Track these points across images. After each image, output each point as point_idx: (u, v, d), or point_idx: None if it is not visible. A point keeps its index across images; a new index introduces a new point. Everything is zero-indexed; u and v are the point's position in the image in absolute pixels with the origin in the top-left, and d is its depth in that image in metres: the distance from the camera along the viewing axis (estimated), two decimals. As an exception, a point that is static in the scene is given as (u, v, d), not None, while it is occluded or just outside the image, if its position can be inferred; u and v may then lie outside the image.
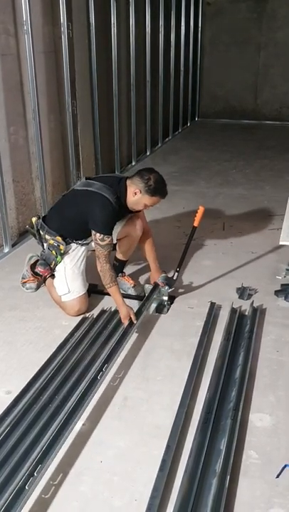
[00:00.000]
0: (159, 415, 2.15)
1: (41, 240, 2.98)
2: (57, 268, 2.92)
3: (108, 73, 5.43)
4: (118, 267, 3.21)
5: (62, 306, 2.93)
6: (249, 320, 2.79)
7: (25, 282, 3.18)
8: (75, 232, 2.90)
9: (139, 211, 3.00)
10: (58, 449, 1.86)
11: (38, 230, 2.96)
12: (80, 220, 2.81)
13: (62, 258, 2.89)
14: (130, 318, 2.67)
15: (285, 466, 1.90)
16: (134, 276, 3.34)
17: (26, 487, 1.67)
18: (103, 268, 2.74)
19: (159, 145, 7.36)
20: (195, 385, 2.31)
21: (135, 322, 2.67)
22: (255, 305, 2.96)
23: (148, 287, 3.04)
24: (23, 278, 3.20)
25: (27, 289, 3.17)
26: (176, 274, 3.07)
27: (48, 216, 3.02)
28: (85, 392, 2.13)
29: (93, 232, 2.76)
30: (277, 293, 3.12)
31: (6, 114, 3.73)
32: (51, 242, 2.88)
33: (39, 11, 4.03)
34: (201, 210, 3.01)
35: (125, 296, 3.08)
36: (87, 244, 2.95)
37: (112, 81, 5.51)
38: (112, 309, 2.92)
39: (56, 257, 2.88)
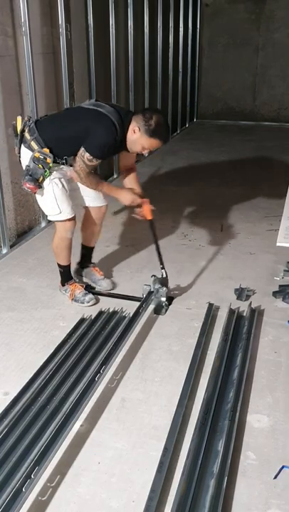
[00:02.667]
0: (157, 416, 2.15)
1: (22, 143, 2.74)
2: (45, 191, 2.76)
3: (106, 74, 5.43)
4: (86, 256, 3.20)
5: (58, 231, 2.88)
6: (247, 321, 2.79)
7: (72, 295, 3.03)
8: (68, 149, 2.71)
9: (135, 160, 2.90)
10: (56, 451, 1.85)
11: (22, 131, 2.73)
12: (77, 136, 2.66)
13: (50, 172, 2.70)
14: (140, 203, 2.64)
15: (283, 467, 1.90)
16: (133, 281, 3.35)
17: (23, 489, 1.66)
18: (86, 179, 2.69)
19: (158, 146, 7.35)
20: (193, 386, 2.30)
21: (153, 208, 2.63)
22: (253, 306, 2.96)
23: (146, 288, 3.04)
24: (75, 301, 3.02)
25: (87, 301, 3.00)
26: (164, 271, 3.05)
27: (43, 124, 2.76)
28: (82, 394, 2.13)
29: (83, 149, 2.62)
30: (275, 294, 3.12)
31: (5, 116, 3.73)
32: (37, 154, 2.67)
33: (37, 12, 4.03)
34: (145, 202, 2.89)
35: (120, 296, 3.09)
36: (66, 164, 2.78)
37: (110, 82, 5.51)
38: (110, 310, 2.93)
39: (44, 172, 2.67)
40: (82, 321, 2.84)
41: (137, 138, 2.67)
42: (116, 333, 2.69)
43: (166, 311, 2.97)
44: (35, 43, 3.88)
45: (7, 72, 3.73)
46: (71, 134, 2.70)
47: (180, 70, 8.04)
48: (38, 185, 2.71)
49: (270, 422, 2.13)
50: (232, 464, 1.88)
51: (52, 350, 2.55)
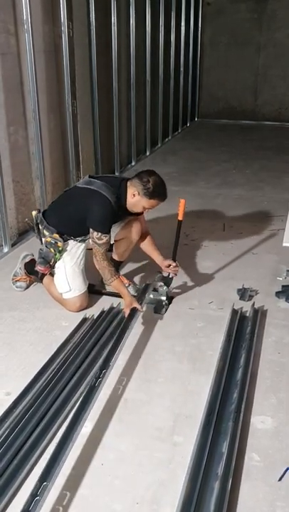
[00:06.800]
0: (160, 417, 2.13)
1: (40, 235, 2.95)
2: (57, 265, 2.90)
3: (108, 73, 5.41)
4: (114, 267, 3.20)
5: (62, 302, 2.94)
6: (250, 321, 2.77)
7: (16, 280, 3.17)
8: (73, 229, 2.87)
9: (140, 214, 2.98)
10: (61, 466, 1.74)
11: (37, 224, 2.94)
12: (78, 217, 2.79)
13: (60, 255, 2.87)
14: (134, 308, 2.64)
15: (288, 469, 1.88)
16: (131, 275, 3.33)
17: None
18: (101, 265, 2.75)
19: (159, 145, 7.35)
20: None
21: (142, 310, 2.63)
22: (256, 306, 2.94)
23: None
24: (14, 276, 3.19)
25: (17, 287, 3.16)
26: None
27: (48, 211, 2.98)
28: (86, 396, 2.10)
29: (91, 230, 2.74)
30: (278, 294, 3.10)
31: (6, 114, 3.71)
32: (48, 239, 2.85)
33: (39, 9, 4.02)
34: (182, 202, 2.96)
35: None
36: (85, 241, 2.92)
37: (112, 81, 5.50)
38: (113, 310, 2.90)
39: (55, 255, 2.86)
40: (84, 320, 2.82)
41: (137, 201, 2.76)
42: (118, 332, 2.67)
43: (166, 310, 2.95)
44: (37, 40, 3.86)
45: (9, 70, 3.71)
46: (71, 215, 2.84)
47: (181, 68, 8.04)
48: (49, 266, 2.88)
49: (275, 423, 2.11)
50: (236, 466, 1.86)
51: (54, 350, 2.53)
